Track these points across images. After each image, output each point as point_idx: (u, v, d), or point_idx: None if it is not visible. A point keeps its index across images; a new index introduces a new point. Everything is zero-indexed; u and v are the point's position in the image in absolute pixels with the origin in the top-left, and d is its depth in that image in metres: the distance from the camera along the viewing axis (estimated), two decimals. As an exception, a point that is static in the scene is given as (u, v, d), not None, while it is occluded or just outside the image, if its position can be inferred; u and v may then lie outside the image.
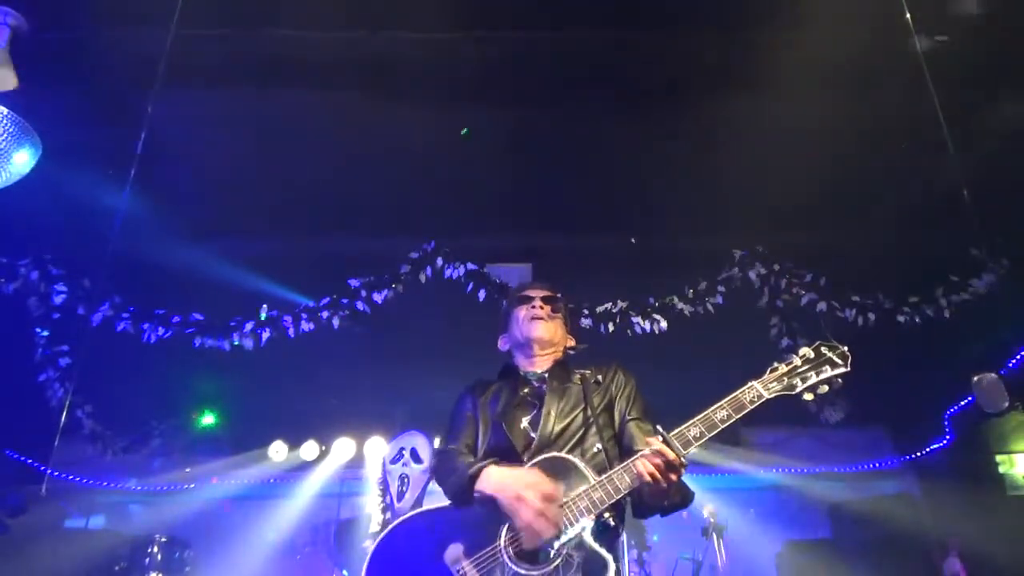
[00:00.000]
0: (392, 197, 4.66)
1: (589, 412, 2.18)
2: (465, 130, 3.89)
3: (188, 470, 7.21)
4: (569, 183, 4.69)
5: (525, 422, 2.22)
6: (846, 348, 2.02)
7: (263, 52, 3.75)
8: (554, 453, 2.05)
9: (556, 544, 1.87)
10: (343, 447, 7.06)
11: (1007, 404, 4.45)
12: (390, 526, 2.13)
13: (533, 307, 2.46)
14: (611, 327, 4.99)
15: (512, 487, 1.93)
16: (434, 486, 2.35)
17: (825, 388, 1.96)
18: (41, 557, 5.79)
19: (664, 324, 4.98)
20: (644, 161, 4.46)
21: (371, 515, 5.67)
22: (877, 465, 7.13)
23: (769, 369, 2.00)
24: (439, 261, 5.02)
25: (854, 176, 4.33)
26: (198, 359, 5.24)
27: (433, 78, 3.87)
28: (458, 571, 1.93)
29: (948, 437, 6.37)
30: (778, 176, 4.13)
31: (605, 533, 1.92)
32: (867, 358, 2.20)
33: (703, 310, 5.00)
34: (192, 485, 7.27)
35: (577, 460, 2.01)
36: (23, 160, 2.95)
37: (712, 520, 5.63)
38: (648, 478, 1.85)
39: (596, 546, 1.86)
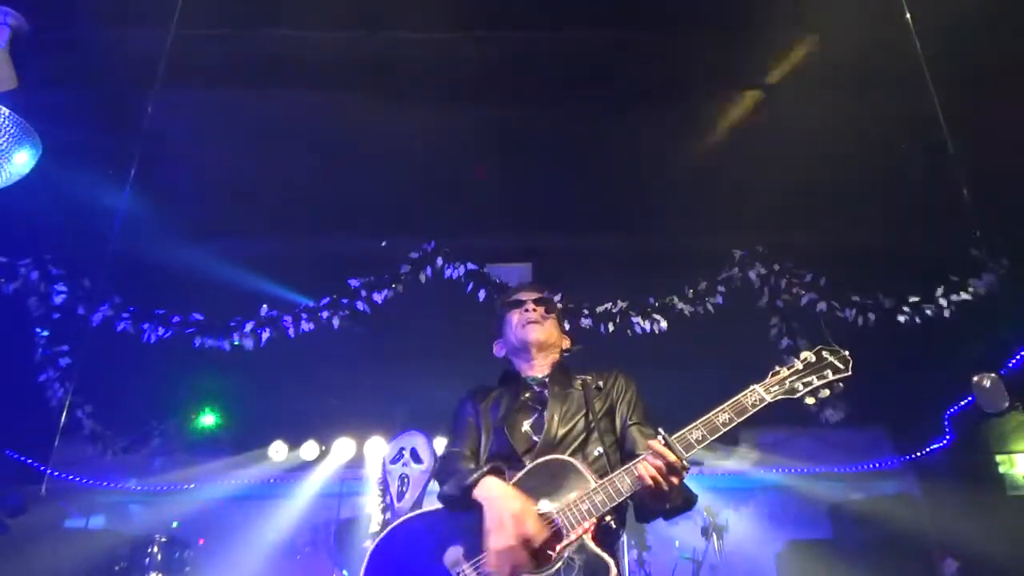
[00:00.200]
0: (392, 197, 4.66)
1: (591, 417, 2.18)
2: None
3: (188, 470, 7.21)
4: (569, 183, 4.69)
5: (527, 426, 2.22)
6: (847, 352, 2.02)
7: (263, 52, 3.76)
8: (555, 455, 2.05)
9: (558, 547, 1.86)
10: (343, 447, 7.05)
11: (1007, 404, 4.45)
12: (389, 527, 2.12)
13: (526, 310, 2.46)
14: (611, 327, 4.99)
15: (500, 509, 1.90)
16: (434, 486, 2.35)
17: (826, 392, 1.96)
18: (41, 557, 5.79)
19: (664, 324, 4.97)
20: (644, 161, 4.46)
21: (371, 515, 5.67)
22: (877, 465, 7.12)
23: (771, 372, 2.01)
24: (439, 261, 5.02)
25: (854, 176, 4.33)
26: (198, 359, 5.23)
27: (433, 78, 3.87)
28: (457, 573, 1.93)
29: (948, 437, 6.37)
30: (778, 176, 4.13)
31: (606, 536, 1.92)
32: (867, 358, 2.19)
33: (703, 310, 5.00)
34: (192, 485, 7.26)
35: (578, 463, 2.00)
36: (23, 160, 2.94)
37: (712, 520, 5.63)
38: (649, 481, 1.85)
39: (597, 549, 1.85)
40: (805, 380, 1.97)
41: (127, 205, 3.86)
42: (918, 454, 6.94)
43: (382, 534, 2.10)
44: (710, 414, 1.93)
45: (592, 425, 2.16)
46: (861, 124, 3.97)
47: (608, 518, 1.93)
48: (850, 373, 1.97)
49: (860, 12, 3.42)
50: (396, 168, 4.43)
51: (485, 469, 2.04)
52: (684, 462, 1.86)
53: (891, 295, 4.95)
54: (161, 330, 5.06)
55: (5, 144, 2.87)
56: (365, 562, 2.03)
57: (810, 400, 1.96)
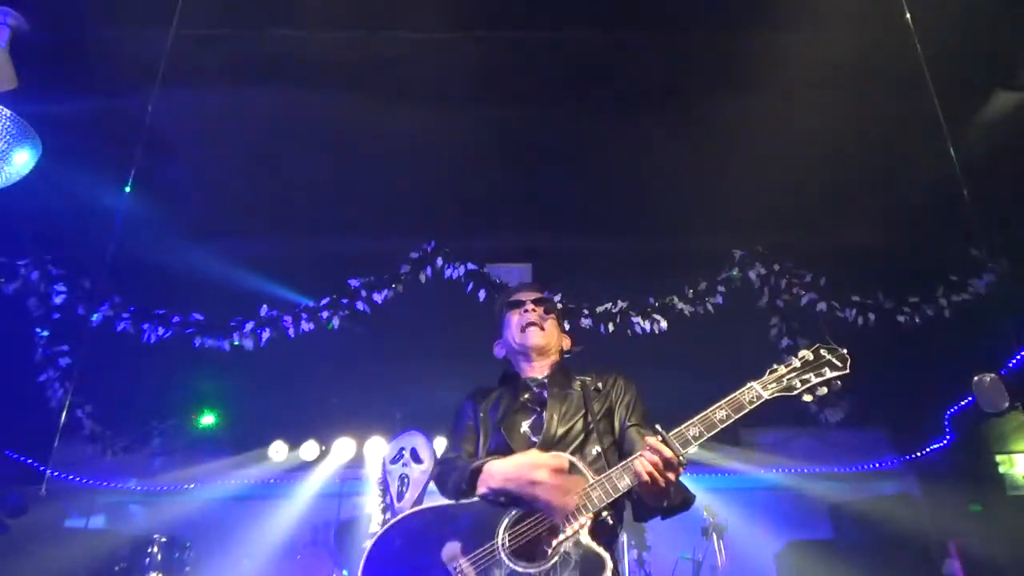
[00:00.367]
0: (392, 197, 4.66)
1: (589, 418, 2.19)
2: None
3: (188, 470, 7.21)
4: (569, 183, 4.69)
5: (525, 426, 2.23)
6: (845, 351, 2.02)
7: (263, 52, 3.76)
8: (554, 453, 2.05)
9: (554, 542, 1.87)
10: (343, 447, 7.05)
11: (1007, 404, 4.43)
12: (387, 524, 2.13)
13: (525, 311, 2.46)
14: (611, 327, 4.99)
15: (522, 475, 1.93)
16: (434, 486, 2.35)
17: (824, 390, 1.96)
18: (41, 557, 5.78)
19: (664, 324, 4.98)
20: (644, 161, 4.46)
21: (371, 515, 5.66)
22: (877, 465, 7.12)
23: (768, 370, 2.01)
24: (439, 261, 5.02)
25: (854, 176, 4.33)
26: (198, 359, 5.24)
27: (433, 78, 3.87)
28: (455, 569, 1.93)
29: (948, 437, 6.36)
30: (778, 176, 4.13)
31: (603, 532, 1.92)
32: (867, 358, 2.20)
33: (703, 310, 5.01)
34: (192, 485, 7.26)
35: (576, 460, 2.01)
36: (23, 160, 2.95)
37: (712, 520, 5.62)
38: (646, 476, 1.85)
39: (593, 545, 1.86)
40: (803, 378, 1.97)
41: (127, 205, 3.86)
42: (918, 454, 6.93)
43: (380, 532, 2.10)
44: (707, 411, 1.94)
45: (591, 426, 2.17)
46: (860, 124, 3.97)
47: (605, 514, 1.93)
48: (848, 371, 1.97)
49: (860, 12, 3.43)
50: (396, 168, 4.43)
51: (485, 459, 2.07)
52: (681, 458, 1.87)
53: (891, 295, 4.95)
54: (161, 330, 5.06)
55: (5, 144, 2.88)
56: (363, 558, 2.03)
57: (808, 397, 1.95)
